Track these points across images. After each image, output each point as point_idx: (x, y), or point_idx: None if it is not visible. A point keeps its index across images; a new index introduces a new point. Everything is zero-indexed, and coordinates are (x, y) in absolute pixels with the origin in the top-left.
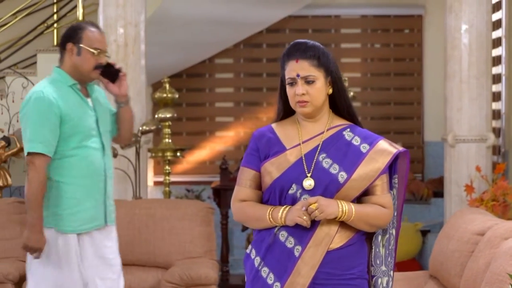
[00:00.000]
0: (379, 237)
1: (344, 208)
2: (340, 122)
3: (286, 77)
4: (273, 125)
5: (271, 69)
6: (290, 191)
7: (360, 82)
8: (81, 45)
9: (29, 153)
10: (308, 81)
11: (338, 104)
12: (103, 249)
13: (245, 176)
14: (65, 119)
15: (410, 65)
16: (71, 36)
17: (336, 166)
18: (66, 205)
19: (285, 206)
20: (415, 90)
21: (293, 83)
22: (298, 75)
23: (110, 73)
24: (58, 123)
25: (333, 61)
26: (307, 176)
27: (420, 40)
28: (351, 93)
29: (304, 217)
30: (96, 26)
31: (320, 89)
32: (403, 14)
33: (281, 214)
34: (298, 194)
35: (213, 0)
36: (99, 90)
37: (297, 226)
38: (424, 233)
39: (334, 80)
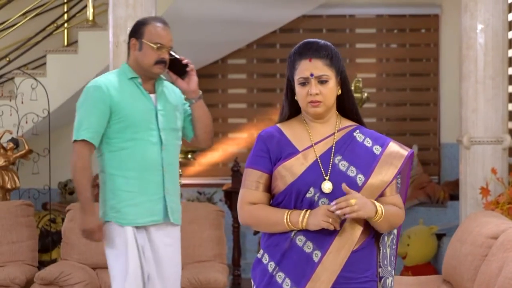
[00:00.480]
0: (386, 238)
1: (378, 207)
2: (348, 123)
3: (298, 76)
4: (280, 126)
5: (285, 69)
6: (308, 195)
7: (375, 82)
8: (142, 40)
9: (74, 141)
10: (322, 81)
11: (346, 105)
12: (160, 247)
13: (252, 177)
14: (115, 109)
15: (426, 66)
16: (135, 31)
17: (353, 168)
18: (121, 198)
19: (304, 210)
20: (431, 91)
21: (305, 82)
22: (312, 75)
23: (178, 68)
24: (107, 112)
25: (342, 62)
26: (325, 179)
27: (436, 40)
28: (365, 94)
29: (330, 220)
30: (161, 21)
31: (332, 89)
32: (419, 13)
33: (302, 218)
34: (316, 198)
35: (225, 0)
36: (170, 88)
37: (317, 230)
38: (440, 236)
39: (343, 80)
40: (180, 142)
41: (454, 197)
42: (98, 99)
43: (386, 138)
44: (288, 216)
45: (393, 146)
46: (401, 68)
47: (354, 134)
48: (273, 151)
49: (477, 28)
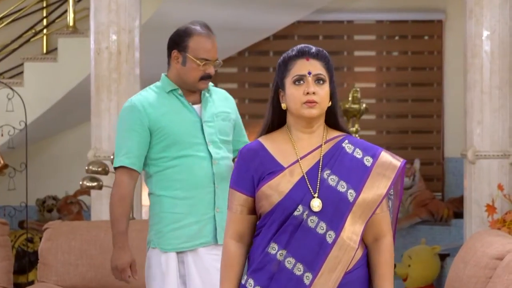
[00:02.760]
0: None
1: None
2: (336, 133)
3: (293, 75)
4: (262, 140)
5: None
6: (296, 213)
7: (375, 92)
8: (187, 54)
9: (114, 168)
10: (319, 80)
11: (334, 119)
12: (210, 271)
13: (237, 201)
14: (155, 127)
15: (429, 75)
16: (177, 42)
17: (343, 183)
18: (168, 221)
19: None
20: (435, 102)
21: (301, 81)
22: (309, 73)
23: None
24: (146, 133)
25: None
26: (313, 197)
27: (440, 47)
28: (364, 105)
29: None
30: (205, 30)
31: (327, 93)
32: (422, 19)
33: None
34: (304, 216)
35: (215, 4)
36: (221, 94)
37: (307, 251)
38: (443, 257)
39: (333, 92)
40: (232, 155)
41: (459, 215)
42: (134, 120)
43: (377, 148)
44: None
45: (385, 156)
46: (402, 77)
47: (343, 145)
48: (255, 170)
49: (482, 35)
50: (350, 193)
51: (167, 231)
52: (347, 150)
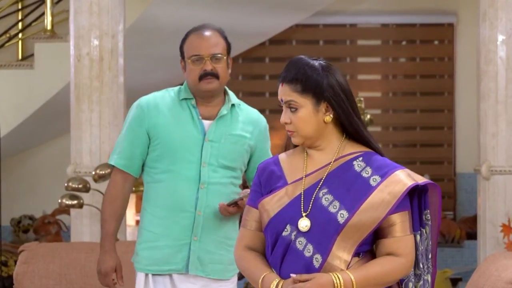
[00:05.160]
0: (410, 284)
1: (338, 281)
2: (354, 149)
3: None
4: (280, 156)
5: (275, 87)
6: (284, 233)
7: (380, 102)
8: (185, 58)
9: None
10: (291, 108)
11: (348, 129)
12: None
13: (250, 216)
14: (153, 133)
15: (439, 83)
16: (180, 50)
17: (336, 203)
18: (143, 238)
19: (275, 281)
20: (446, 112)
21: (282, 109)
22: (281, 100)
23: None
24: (144, 136)
25: (333, 81)
26: (302, 216)
27: (451, 53)
28: (368, 116)
29: None
30: (202, 28)
31: (305, 119)
32: (431, 22)
33: None
34: (292, 237)
35: (206, 7)
36: (247, 115)
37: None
38: (455, 281)
39: (336, 102)
40: (238, 182)
41: (472, 235)
42: (135, 118)
43: (395, 167)
44: (262, 279)
45: (397, 176)
46: (410, 85)
47: (354, 162)
48: (264, 185)
49: (497, 39)
50: (341, 214)
51: (140, 249)
52: (356, 168)
